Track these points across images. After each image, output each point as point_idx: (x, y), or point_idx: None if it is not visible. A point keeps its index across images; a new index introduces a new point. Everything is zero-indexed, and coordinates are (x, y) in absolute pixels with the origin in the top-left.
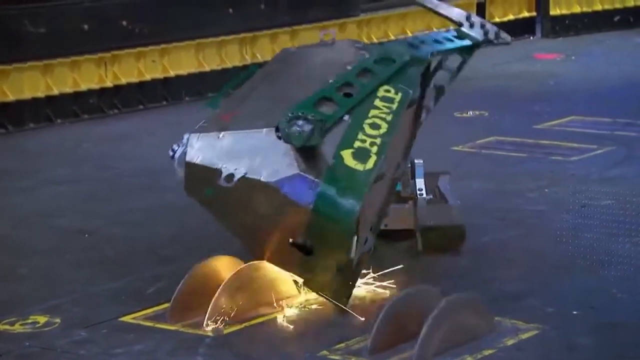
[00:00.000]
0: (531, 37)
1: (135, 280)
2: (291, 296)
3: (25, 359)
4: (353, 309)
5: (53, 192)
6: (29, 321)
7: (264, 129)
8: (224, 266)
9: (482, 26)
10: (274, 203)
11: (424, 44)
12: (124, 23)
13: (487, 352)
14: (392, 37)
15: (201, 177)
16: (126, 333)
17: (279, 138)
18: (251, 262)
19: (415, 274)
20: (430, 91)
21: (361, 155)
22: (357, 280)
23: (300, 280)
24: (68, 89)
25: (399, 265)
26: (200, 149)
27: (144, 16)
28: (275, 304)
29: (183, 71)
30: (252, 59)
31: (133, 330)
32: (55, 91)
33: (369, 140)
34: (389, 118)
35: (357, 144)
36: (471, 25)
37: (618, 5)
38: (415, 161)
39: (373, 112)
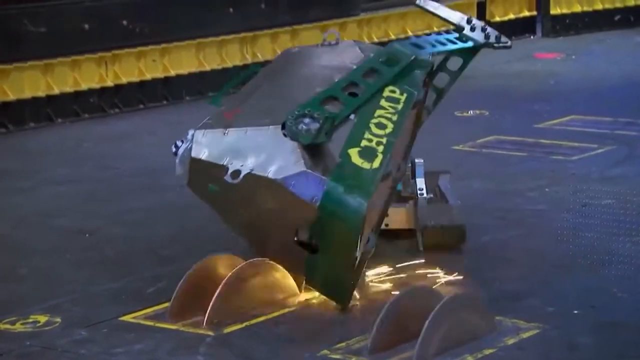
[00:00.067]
0: (531, 37)
1: (136, 280)
2: (292, 295)
3: (26, 358)
4: (353, 308)
5: (53, 191)
6: (30, 321)
7: (270, 126)
8: (224, 265)
9: (483, 29)
10: (279, 200)
11: (427, 44)
12: (125, 22)
13: (487, 352)
14: (393, 37)
15: (206, 173)
16: (126, 332)
17: (285, 135)
18: (252, 260)
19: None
20: (431, 93)
21: (368, 154)
22: (358, 279)
23: (303, 279)
24: (68, 89)
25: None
26: (206, 145)
27: (145, 16)
28: (276, 303)
29: (184, 70)
30: (253, 58)
31: (133, 329)
32: (56, 90)
33: (375, 139)
34: (394, 118)
35: (363, 142)
36: (472, 29)
37: (618, 5)
38: (416, 160)
39: (379, 112)
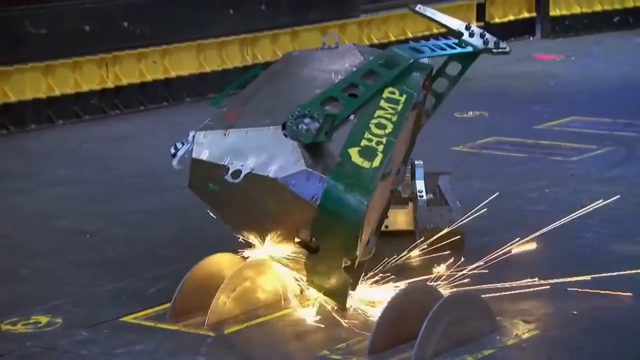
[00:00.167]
0: (531, 38)
1: (136, 281)
2: (292, 295)
3: (27, 358)
4: (353, 308)
5: (54, 192)
6: (31, 321)
7: (271, 127)
8: (225, 264)
9: (482, 35)
10: (280, 199)
11: (425, 49)
12: (125, 24)
13: (487, 352)
14: (393, 38)
15: (207, 173)
16: (127, 333)
17: (286, 136)
18: (252, 260)
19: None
20: (430, 97)
21: (368, 153)
22: (358, 280)
23: (303, 279)
24: (69, 90)
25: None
26: (206, 146)
27: (145, 17)
28: (276, 303)
29: (184, 72)
30: (253, 59)
31: (134, 330)
32: (57, 92)
33: (375, 139)
34: (394, 119)
35: (363, 142)
36: (471, 35)
37: (618, 6)
38: (415, 162)
39: (378, 112)
